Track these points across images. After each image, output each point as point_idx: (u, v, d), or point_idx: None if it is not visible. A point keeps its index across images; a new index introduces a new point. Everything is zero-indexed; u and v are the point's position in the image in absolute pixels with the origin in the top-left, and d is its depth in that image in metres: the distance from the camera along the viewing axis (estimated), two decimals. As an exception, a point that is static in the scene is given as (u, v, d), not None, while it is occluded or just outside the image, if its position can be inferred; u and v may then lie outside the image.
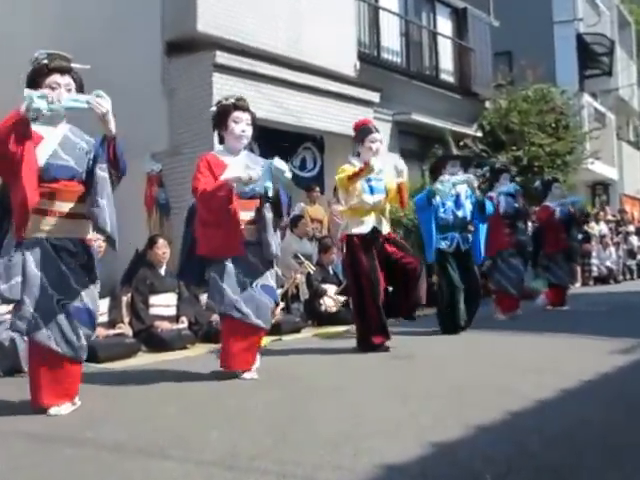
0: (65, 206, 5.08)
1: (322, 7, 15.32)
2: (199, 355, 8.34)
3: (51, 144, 5.08)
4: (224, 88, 12.77)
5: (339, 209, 8.62)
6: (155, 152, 13.23)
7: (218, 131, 6.72)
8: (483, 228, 9.86)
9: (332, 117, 15.10)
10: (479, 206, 9.75)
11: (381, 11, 17.96)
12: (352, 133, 15.37)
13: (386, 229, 8.17)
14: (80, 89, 5.24)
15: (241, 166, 6.40)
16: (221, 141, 6.78)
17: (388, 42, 18.20)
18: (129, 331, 8.73)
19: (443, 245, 9.46)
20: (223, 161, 6.50)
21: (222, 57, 12.86)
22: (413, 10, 19.62)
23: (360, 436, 4.21)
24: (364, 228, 7.94)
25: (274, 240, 6.45)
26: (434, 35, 20.24)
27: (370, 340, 7.91)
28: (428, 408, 4.94)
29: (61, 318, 5.00)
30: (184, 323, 9.17)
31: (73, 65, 5.21)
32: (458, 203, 9.61)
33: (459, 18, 21.15)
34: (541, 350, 7.73)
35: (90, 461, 3.92)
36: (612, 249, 22.09)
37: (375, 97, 16.42)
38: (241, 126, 6.50)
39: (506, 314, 11.25)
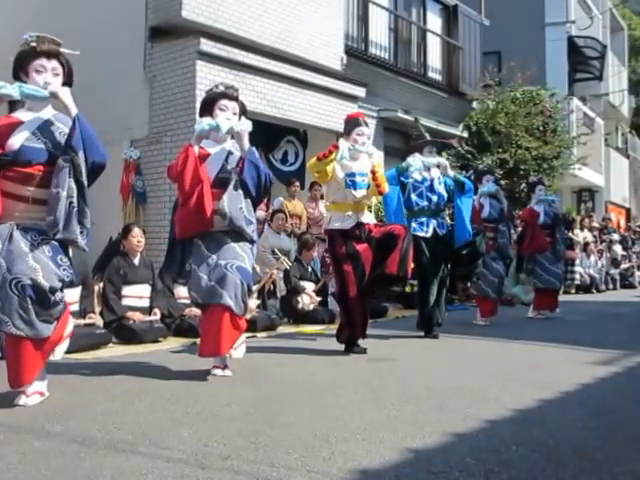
0: (38, 192, 4.95)
1: (311, -1, 15.18)
2: (171, 349, 8.25)
3: (29, 128, 4.95)
4: (207, 77, 12.69)
5: (325, 204, 8.39)
6: (134, 139, 13.10)
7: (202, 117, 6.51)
8: (468, 203, 9.58)
9: (316, 111, 15.02)
10: (458, 185, 9.50)
11: (371, 5, 17.79)
12: (336, 127, 15.42)
13: (369, 220, 7.95)
14: (69, 75, 5.16)
15: (223, 155, 6.34)
16: None
17: (376, 37, 18.09)
18: (100, 321, 8.61)
19: (417, 229, 9.21)
20: (206, 150, 6.38)
21: (206, 45, 12.75)
22: (403, 5, 19.50)
23: (335, 439, 4.14)
24: (346, 224, 7.76)
25: (228, 199, 6.21)
26: (423, 32, 20.10)
27: (349, 334, 7.84)
28: (405, 413, 4.85)
29: (13, 297, 4.77)
30: (157, 315, 9.05)
31: (62, 50, 5.09)
32: (432, 188, 9.40)
33: (449, 15, 21.07)
34: (521, 358, 7.64)
35: (59, 455, 3.83)
36: (593, 258, 21.90)
37: (361, 92, 16.36)
38: (226, 114, 6.32)
39: (486, 319, 11.06)
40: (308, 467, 3.61)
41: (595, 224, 24.49)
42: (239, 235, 6.29)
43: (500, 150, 19.63)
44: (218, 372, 6.27)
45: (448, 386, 5.86)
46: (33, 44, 4.98)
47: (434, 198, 9.37)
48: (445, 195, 9.47)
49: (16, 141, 4.88)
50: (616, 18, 37.62)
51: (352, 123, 7.97)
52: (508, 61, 21.70)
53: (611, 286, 22.98)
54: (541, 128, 20.67)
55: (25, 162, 4.89)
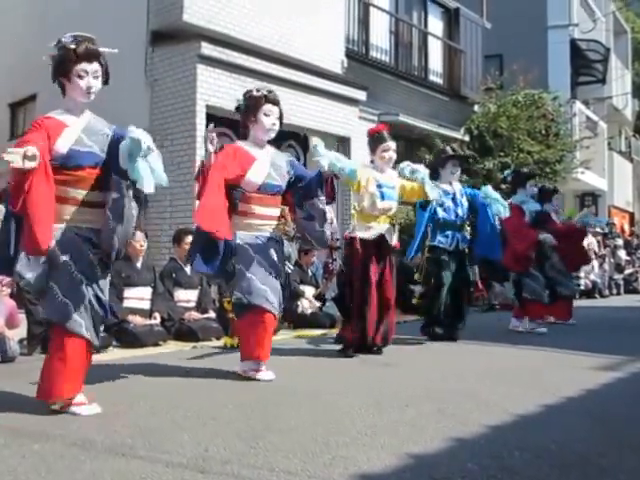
0: (90, 194, 4.93)
1: (311, 2, 15.18)
2: (171, 353, 8.29)
3: (74, 131, 4.91)
4: (208, 80, 12.70)
5: (352, 212, 8.52)
6: (134, 143, 13.04)
7: (244, 122, 6.63)
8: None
9: (317, 114, 14.98)
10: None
11: (371, 8, 17.76)
12: (336, 131, 15.41)
13: (393, 239, 8.15)
14: (106, 74, 5.06)
15: (268, 162, 6.52)
16: (244, 132, 6.71)
17: (377, 40, 18.04)
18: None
19: (443, 242, 9.25)
20: (249, 152, 6.50)
21: (207, 48, 12.73)
22: (404, 8, 19.44)
23: (336, 444, 4.12)
24: (370, 234, 7.93)
25: (328, 229, 6.71)
26: (424, 35, 20.04)
27: (348, 336, 7.97)
28: (407, 418, 4.83)
29: (89, 306, 4.89)
30: (157, 319, 9.12)
31: (101, 49, 5.01)
32: (456, 202, 9.41)
33: (451, 18, 21.00)
34: (524, 364, 7.61)
35: (58, 458, 3.84)
36: (595, 262, 21.82)
37: (361, 95, 16.31)
38: (271, 119, 6.50)
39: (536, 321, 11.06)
40: (309, 472, 3.60)
41: (598, 229, 24.40)
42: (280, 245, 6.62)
43: (502, 154, 19.58)
44: (264, 376, 6.35)
45: (449, 391, 5.84)
46: (72, 46, 4.85)
47: (459, 211, 9.40)
48: (467, 207, 9.52)
49: (64, 145, 4.83)
50: (619, 21, 37.58)
51: (376, 139, 8.16)
52: (510, 64, 21.69)
53: (615, 291, 22.92)
54: (543, 132, 20.64)
55: (75, 166, 4.86)
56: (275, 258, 6.46)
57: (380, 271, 7.97)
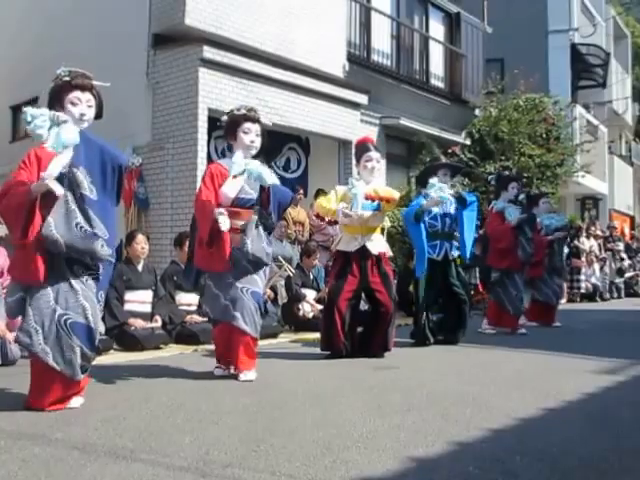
0: None
1: (313, 6, 15.19)
2: (172, 356, 8.28)
3: (65, 156, 5.04)
4: (210, 83, 12.69)
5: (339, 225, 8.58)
6: (136, 145, 13.08)
7: (227, 140, 6.96)
8: (471, 217, 9.49)
9: (318, 118, 14.99)
10: (460, 201, 9.35)
11: (373, 12, 17.71)
12: (338, 135, 15.42)
13: (379, 248, 8.15)
14: (99, 106, 5.34)
15: (242, 178, 6.61)
16: (229, 149, 7.00)
17: (378, 44, 17.98)
18: (102, 327, 8.52)
19: (430, 252, 9.21)
20: (225, 168, 6.66)
21: (209, 52, 12.73)
22: (405, 12, 19.38)
23: (337, 447, 4.12)
24: (351, 246, 8.06)
25: (250, 239, 6.53)
26: (426, 39, 20.00)
27: (330, 342, 8.16)
28: (408, 422, 4.82)
29: (61, 334, 4.99)
30: (158, 322, 9.09)
31: (94, 82, 5.31)
32: (444, 210, 9.35)
33: (452, 23, 20.95)
34: (525, 367, 7.60)
35: (59, 462, 3.83)
36: (596, 266, 21.81)
37: (363, 99, 16.32)
38: (250, 137, 6.66)
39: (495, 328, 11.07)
40: (310, 475, 3.59)
41: (598, 232, 24.40)
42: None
43: (503, 158, 19.55)
44: (242, 376, 6.55)
45: (451, 394, 5.83)
46: (67, 78, 5.18)
47: (447, 220, 9.38)
48: (455, 215, 9.45)
49: (55, 169, 4.92)
50: (619, 26, 37.55)
51: (360, 149, 8.31)
52: (511, 68, 21.64)
53: (615, 295, 22.92)
54: (544, 135, 20.61)
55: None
56: (250, 268, 6.57)
57: (369, 281, 8.05)
